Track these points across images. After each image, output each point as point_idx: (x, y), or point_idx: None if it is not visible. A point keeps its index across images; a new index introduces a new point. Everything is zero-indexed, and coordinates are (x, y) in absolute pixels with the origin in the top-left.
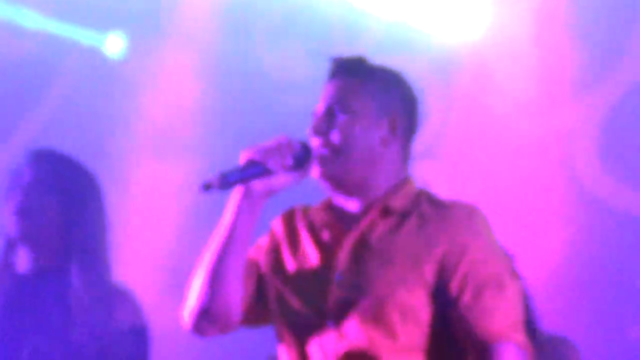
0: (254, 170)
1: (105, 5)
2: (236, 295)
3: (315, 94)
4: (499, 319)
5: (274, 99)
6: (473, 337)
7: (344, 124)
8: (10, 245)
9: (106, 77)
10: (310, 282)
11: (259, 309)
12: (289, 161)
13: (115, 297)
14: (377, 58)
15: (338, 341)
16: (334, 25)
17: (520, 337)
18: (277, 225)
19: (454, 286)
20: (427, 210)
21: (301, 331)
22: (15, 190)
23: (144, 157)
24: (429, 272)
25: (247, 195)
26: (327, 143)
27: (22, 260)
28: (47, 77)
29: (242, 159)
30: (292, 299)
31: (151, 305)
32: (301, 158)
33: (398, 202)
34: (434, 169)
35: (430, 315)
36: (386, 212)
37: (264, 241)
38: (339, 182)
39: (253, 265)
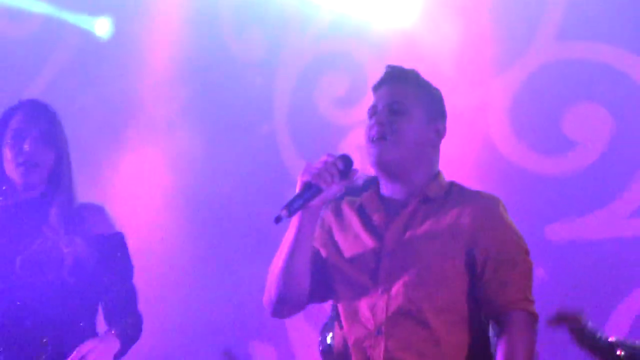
0: (310, 192)
1: None
2: (306, 282)
3: (271, 73)
4: (513, 291)
5: (238, 77)
6: (492, 304)
7: (403, 121)
8: (10, 186)
9: (95, 56)
10: (363, 258)
11: (321, 288)
12: (337, 177)
13: (88, 212)
14: (326, 43)
15: (387, 303)
16: (288, 15)
17: (529, 306)
18: (327, 215)
19: (479, 261)
20: (459, 198)
21: (357, 297)
22: (21, 142)
23: (127, 127)
24: (461, 248)
25: (306, 211)
26: (388, 132)
27: (11, 193)
28: (43, 54)
29: (298, 184)
30: (349, 272)
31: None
32: (344, 169)
33: (434, 192)
34: None
35: (463, 283)
36: (425, 200)
37: (317, 232)
38: (390, 167)
39: (314, 255)
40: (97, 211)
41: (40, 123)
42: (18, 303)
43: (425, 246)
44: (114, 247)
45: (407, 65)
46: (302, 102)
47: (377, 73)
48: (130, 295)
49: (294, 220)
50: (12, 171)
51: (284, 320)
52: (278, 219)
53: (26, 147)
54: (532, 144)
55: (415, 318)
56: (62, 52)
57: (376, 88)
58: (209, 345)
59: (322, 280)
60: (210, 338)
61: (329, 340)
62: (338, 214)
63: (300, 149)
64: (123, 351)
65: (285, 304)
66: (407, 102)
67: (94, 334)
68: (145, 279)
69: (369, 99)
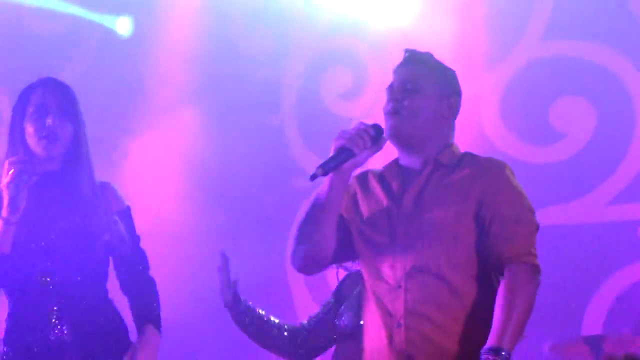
0: (344, 155)
1: None
2: (332, 241)
3: (275, 66)
4: (517, 245)
5: (247, 72)
6: (497, 257)
7: (415, 98)
8: (32, 159)
9: (116, 51)
10: (383, 220)
11: (344, 249)
12: (368, 142)
13: (105, 190)
14: (329, 41)
15: (406, 260)
16: (293, 15)
17: (532, 259)
18: (353, 182)
19: (486, 218)
20: (470, 163)
21: (378, 256)
22: (43, 117)
23: (143, 119)
24: (471, 207)
25: (338, 172)
26: (401, 108)
27: (34, 165)
28: (70, 50)
29: (333, 147)
30: (370, 234)
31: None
32: (375, 136)
33: (446, 158)
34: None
35: (474, 239)
36: (438, 165)
37: (345, 198)
38: (403, 139)
39: (340, 218)
40: (111, 188)
41: (59, 99)
42: (48, 265)
43: (439, 208)
44: (126, 220)
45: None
46: (308, 96)
47: (377, 69)
48: (143, 263)
49: (326, 181)
50: (35, 144)
51: (291, 294)
52: (313, 177)
53: (49, 121)
54: (520, 134)
55: (432, 273)
56: (85, 48)
57: (395, 70)
58: (218, 317)
59: (344, 241)
60: (218, 311)
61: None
62: (363, 182)
63: (306, 139)
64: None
65: (312, 261)
66: (419, 80)
67: (105, 294)
68: (157, 258)
69: (371, 93)
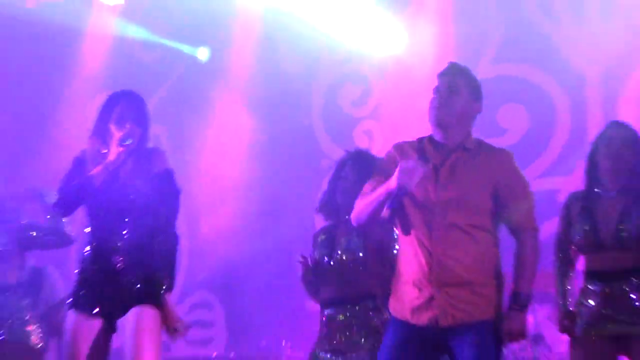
0: (403, 192)
1: (197, 28)
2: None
3: (307, 82)
4: (526, 216)
5: (286, 83)
6: (513, 224)
7: (454, 97)
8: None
9: (197, 75)
10: (426, 185)
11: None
12: (417, 181)
13: (152, 154)
14: (345, 65)
15: (441, 220)
16: (320, 46)
17: (535, 225)
18: (393, 153)
19: (502, 195)
20: (486, 149)
21: (422, 212)
22: (124, 122)
23: (212, 118)
24: (489, 184)
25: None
26: (444, 103)
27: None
28: (159, 74)
29: (395, 190)
30: (416, 195)
31: None
32: (424, 161)
33: (471, 144)
34: (376, 126)
35: (490, 207)
36: (465, 149)
37: (387, 167)
38: (442, 123)
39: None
40: (158, 153)
41: (134, 109)
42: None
43: (467, 181)
44: (164, 180)
45: (397, 78)
46: (330, 103)
47: (377, 84)
48: (167, 220)
49: (384, 191)
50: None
51: None
52: (384, 217)
53: (127, 126)
54: (475, 130)
55: (460, 229)
56: (173, 73)
57: (439, 76)
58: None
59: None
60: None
61: None
62: (402, 151)
63: (329, 133)
64: (171, 281)
65: (369, 225)
66: (458, 85)
67: (150, 245)
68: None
69: (372, 101)
